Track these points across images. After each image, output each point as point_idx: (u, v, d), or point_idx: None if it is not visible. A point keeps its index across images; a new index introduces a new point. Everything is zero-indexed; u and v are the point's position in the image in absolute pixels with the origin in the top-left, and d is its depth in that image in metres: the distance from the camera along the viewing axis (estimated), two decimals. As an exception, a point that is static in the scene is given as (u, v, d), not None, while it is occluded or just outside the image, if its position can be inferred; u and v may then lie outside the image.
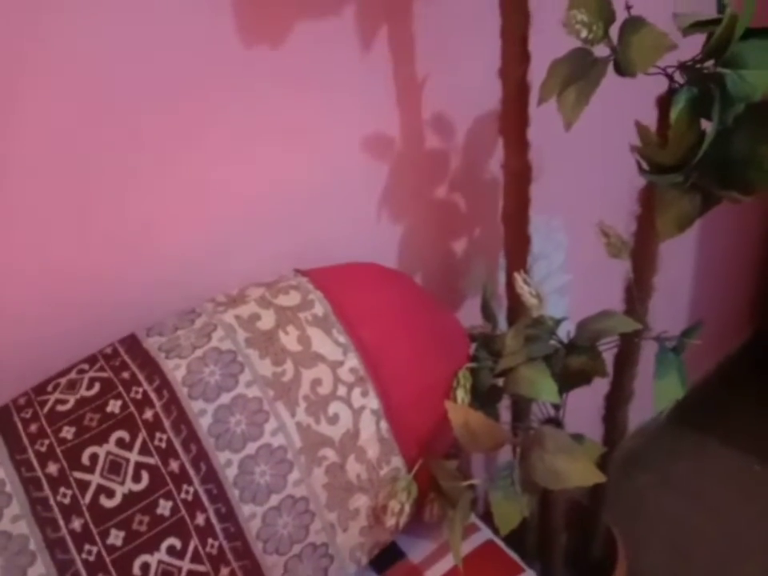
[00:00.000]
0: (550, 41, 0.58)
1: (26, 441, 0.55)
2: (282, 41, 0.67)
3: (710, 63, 0.59)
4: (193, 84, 0.64)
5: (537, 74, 0.64)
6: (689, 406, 1.50)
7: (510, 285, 0.82)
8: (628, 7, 0.59)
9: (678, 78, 0.61)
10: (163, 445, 0.56)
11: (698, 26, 0.59)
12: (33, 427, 0.56)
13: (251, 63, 0.67)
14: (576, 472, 0.60)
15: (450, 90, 0.82)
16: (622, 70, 0.59)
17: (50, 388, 0.59)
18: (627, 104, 0.71)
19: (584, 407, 0.86)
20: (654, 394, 0.70)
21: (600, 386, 0.88)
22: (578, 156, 0.96)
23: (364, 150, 0.79)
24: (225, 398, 0.57)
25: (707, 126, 0.59)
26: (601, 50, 0.59)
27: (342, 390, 0.61)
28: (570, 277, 1.12)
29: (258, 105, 0.69)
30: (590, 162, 1.00)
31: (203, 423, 0.56)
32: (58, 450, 0.55)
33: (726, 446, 1.47)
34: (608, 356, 0.81)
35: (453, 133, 0.85)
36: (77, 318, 0.65)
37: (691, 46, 0.59)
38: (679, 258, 1.32)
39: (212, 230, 0.71)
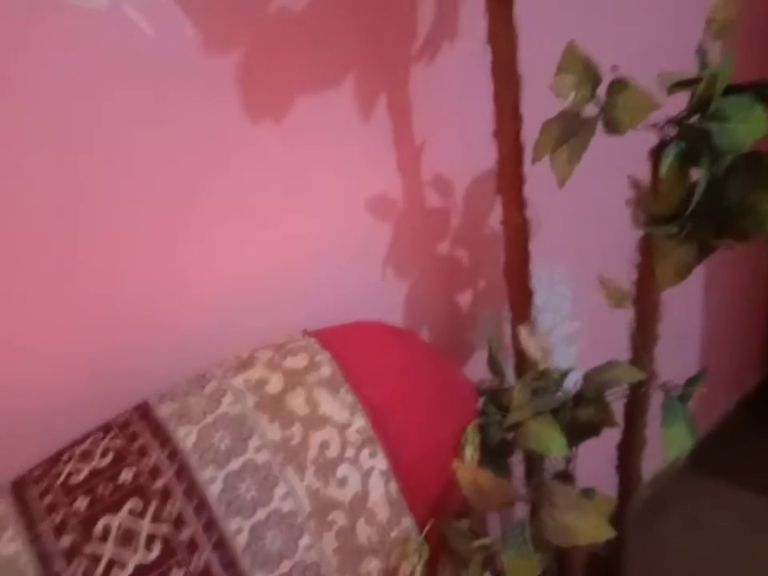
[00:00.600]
0: (542, 102, 0.60)
1: (41, 513, 0.56)
2: (286, 112, 0.71)
3: (695, 118, 0.61)
4: (200, 158, 0.67)
5: (530, 134, 0.66)
6: (707, 450, 1.49)
7: (516, 338, 0.82)
8: (614, 69, 0.61)
9: (669, 131, 0.63)
10: (174, 513, 0.56)
11: (681, 84, 0.61)
12: (48, 499, 0.57)
13: (258, 136, 0.70)
14: (587, 528, 0.59)
15: (448, 151, 0.84)
16: (611, 129, 0.61)
17: (64, 458, 0.60)
18: (623, 156, 0.73)
19: (598, 457, 0.85)
20: (664, 444, 0.69)
21: (613, 435, 0.87)
22: (576, 209, 0.98)
23: (368, 211, 0.81)
24: (235, 464, 0.58)
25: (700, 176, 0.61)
26: (590, 110, 0.61)
27: (350, 452, 0.61)
28: (577, 325, 1.12)
29: (265, 173, 0.72)
30: (591, 214, 1.01)
31: (214, 490, 0.57)
32: (72, 522, 0.55)
33: (745, 488, 1.44)
34: (619, 405, 0.81)
35: (452, 191, 0.88)
36: (92, 388, 0.66)
37: (681, 99, 0.61)
38: (686, 304, 1.32)
39: (222, 294, 0.73)
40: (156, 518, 0.55)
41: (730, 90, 0.60)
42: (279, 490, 0.58)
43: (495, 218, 0.82)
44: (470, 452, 0.68)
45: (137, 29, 0.60)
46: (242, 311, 0.74)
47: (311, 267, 0.78)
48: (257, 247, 0.74)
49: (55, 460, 0.60)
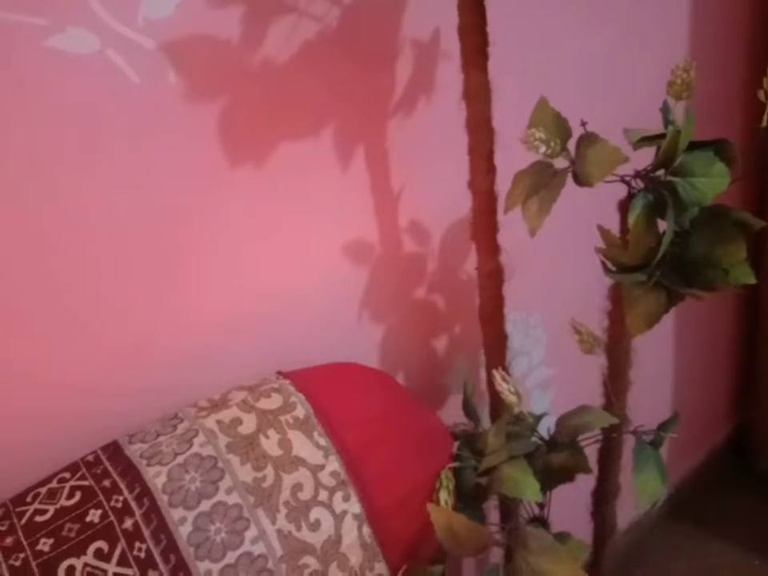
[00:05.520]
0: (514, 155, 0.63)
1: None
2: (265, 161, 0.72)
3: (661, 172, 0.64)
4: (177, 205, 0.68)
5: (504, 184, 0.68)
6: (683, 499, 1.49)
7: (491, 382, 0.83)
8: (583, 124, 0.64)
9: (636, 184, 0.66)
10: (142, 555, 0.55)
11: (646, 140, 0.64)
12: (8, 540, 0.55)
13: (238, 183, 0.71)
14: (561, 573, 0.59)
15: (424, 199, 0.87)
16: (580, 181, 0.63)
17: (29, 498, 0.59)
18: (594, 206, 0.75)
19: (574, 504, 0.85)
20: (635, 489, 0.70)
21: (589, 482, 0.88)
22: (550, 256, 1.00)
23: (345, 255, 0.83)
24: (205, 506, 0.57)
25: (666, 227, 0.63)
26: (560, 162, 0.63)
27: (323, 495, 0.61)
28: (552, 371, 1.13)
29: (244, 218, 0.73)
30: (564, 261, 1.04)
31: (183, 532, 0.56)
32: (33, 564, 0.54)
33: (723, 539, 1.44)
34: (593, 451, 0.81)
35: (428, 238, 0.90)
36: (60, 426, 0.65)
37: (648, 154, 0.64)
38: (658, 350, 1.35)
39: (196, 336, 0.73)
40: (123, 561, 0.54)
41: (692, 146, 0.63)
42: (250, 533, 0.57)
43: (470, 264, 0.83)
44: (445, 496, 0.68)
45: (122, 74, 0.62)
46: (216, 353, 0.75)
47: (288, 310, 0.79)
48: (234, 290, 0.75)
49: (19, 500, 0.59)
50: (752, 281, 0.63)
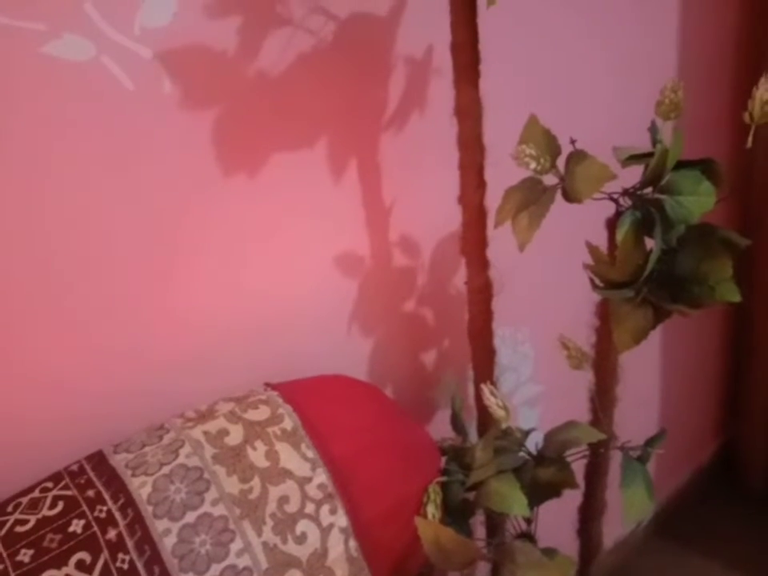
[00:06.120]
0: (505, 171, 0.64)
1: (-21, 567, 0.53)
2: (258, 171, 0.73)
3: (649, 190, 0.65)
4: (170, 214, 0.68)
5: (493, 199, 0.69)
6: (671, 517, 1.49)
7: (479, 396, 0.83)
8: (572, 141, 0.65)
9: (624, 201, 0.67)
10: (126, 566, 0.54)
11: (634, 158, 0.65)
12: (-11, 551, 0.54)
13: (230, 193, 0.71)
14: (547, 589, 0.59)
15: (415, 214, 0.87)
16: (569, 197, 0.64)
17: (10, 508, 0.58)
18: (583, 223, 0.76)
19: (561, 521, 0.85)
20: (623, 505, 0.70)
21: (575, 499, 0.88)
22: (539, 272, 1.01)
23: (335, 268, 0.83)
24: (190, 517, 0.57)
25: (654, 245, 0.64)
26: (550, 179, 0.64)
27: (309, 508, 0.60)
28: (540, 388, 1.14)
29: (235, 228, 0.73)
30: (553, 277, 1.05)
31: (167, 543, 0.55)
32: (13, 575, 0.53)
33: (709, 557, 1.44)
34: (580, 466, 0.81)
35: (419, 252, 0.90)
36: (43, 432, 0.65)
37: (636, 171, 0.65)
38: (645, 367, 1.35)
39: (184, 345, 0.73)
40: (105, 572, 0.53)
41: (680, 165, 0.64)
42: (235, 546, 0.57)
43: (460, 278, 0.84)
44: (432, 510, 0.67)
45: (117, 82, 0.62)
46: (204, 361, 0.74)
47: (277, 320, 0.79)
48: (224, 299, 0.75)
49: (0, 509, 0.58)
50: (737, 298, 0.63)
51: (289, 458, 0.62)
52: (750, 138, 0.61)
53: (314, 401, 0.69)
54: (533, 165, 0.63)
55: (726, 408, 1.62)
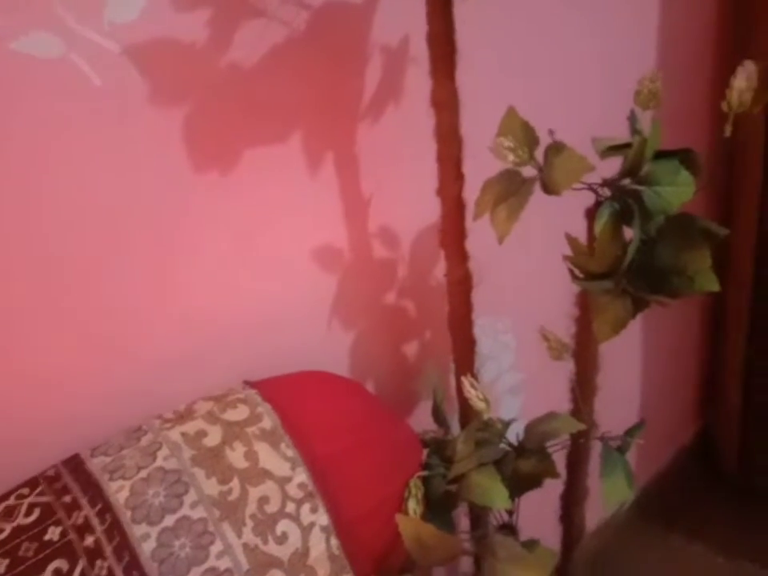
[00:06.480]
0: (483, 163, 0.63)
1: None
2: (232, 166, 0.71)
3: (627, 180, 0.65)
4: (144, 208, 0.67)
5: (472, 191, 0.68)
6: (652, 500, 1.51)
7: (460, 388, 0.83)
8: (551, 133, 0.64)
9: (603, 192, 0.67)
10: (104, 573, 0.53)
11: (613, 149, 0.65)
12: (-38, 561, 0.53)
13: (203, 189, 0.70)
14: (528, 582, 0.59)
15: (393, 206, 0.86)
16: (548, 189, 0.63)
17: (-16, 516, 0.57)
18: (563, 214, 0.76)
19: (543, 508, 0.86)
20: (603, 494, 0.70)
21: (557, 486, 0.88)
22: (518, 263, 1.01)
23: (314, 262, 0.82)
24: (169, 521, 0.56)
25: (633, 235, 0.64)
26: (529, 170, 0.64)
27: (290, 507, 0.60)
28: (522, 376, 1.14)
29: (210, 224, 0.72)
30: (532, 268, 1.04)
31: (146, 548, 0.55)
32: (-11, 586, 0.52)
33: (690, 539, 1.46)
34: (561, 456, 0.82)
35: (398, 244, 0.89)
36: (31, 432, 0.64)
37: (615, 162, 0.64)
38: (625, 356, 1.36)
39: (162, 344, 0.72)
40: (82, 580, 0.53)
41: (658, 155, 0.64)
42: (215, 548, 0.56)
43: (440, 270, 0.83)
44: (413, 505, 0.67)
45: (85, 78, 0.60)
46: (183, 358, 0.73)
47: (256, 316, 0.78)
48: (201, 296, 0.74)
49: (-24, 518, 0.57)
50: (716, 288, 0.64)
51: (268, 457, 0.61)
52: (728, 127, 0.60)
53: (295, 398, 0.68)
54: (511, 157, 0.62)
55: (702, 395, 1.64)
